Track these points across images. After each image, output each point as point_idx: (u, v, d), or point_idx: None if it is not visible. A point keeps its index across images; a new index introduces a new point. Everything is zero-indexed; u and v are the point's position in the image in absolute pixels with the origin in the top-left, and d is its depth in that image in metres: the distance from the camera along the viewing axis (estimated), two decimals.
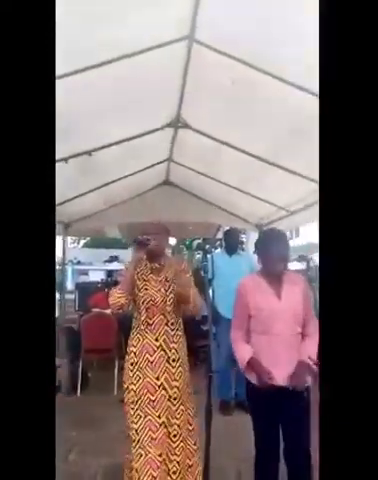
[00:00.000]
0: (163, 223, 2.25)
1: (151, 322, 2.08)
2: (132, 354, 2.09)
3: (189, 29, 2.29)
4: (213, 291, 3.65)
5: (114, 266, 12.59)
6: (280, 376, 1.85)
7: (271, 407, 1.88)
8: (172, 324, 2.10)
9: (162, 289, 2.10)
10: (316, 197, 3.38)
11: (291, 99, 2.48)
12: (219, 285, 3.61)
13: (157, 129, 3.47)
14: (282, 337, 1.88)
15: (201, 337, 3.97)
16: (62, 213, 4.55)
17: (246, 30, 2.12)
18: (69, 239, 9.49)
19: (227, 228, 4.48)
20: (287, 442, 1.91)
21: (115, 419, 2.36)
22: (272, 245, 1.92)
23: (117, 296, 2.02)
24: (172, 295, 2.10)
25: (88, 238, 22.11)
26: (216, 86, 2.72)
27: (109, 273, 11.21)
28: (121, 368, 3.17)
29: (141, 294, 2.09)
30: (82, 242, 24.70)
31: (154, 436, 1.99)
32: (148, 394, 2.02)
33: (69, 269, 9.51)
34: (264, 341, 1.90)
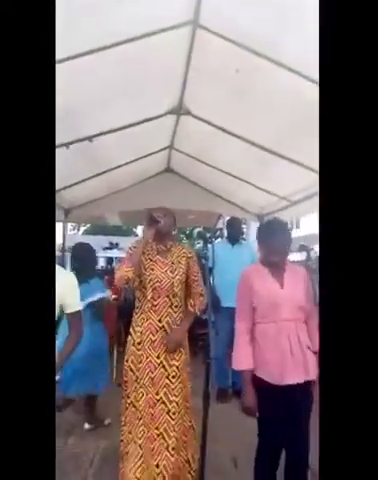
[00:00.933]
0: (168, 208, 2.25)
1: (156, 303, 2.10)
2: (138, 333, 2.12)
3: (193, 14, 2.25)
4: (213, 279, 3.67)
5: (114, 253, 12.61)
6: (284, 372, 1.85)
7: (275, 399, 1.88)
8: (176, 307, 2.13)
9: (168, 271, 2.12)
10: (317, 188, 3.35)
11: (295, 88, 2.45)
12: (220, 274, 3.63)
13: (159, 116, 3.44)
14: (286, 325, 1.88)
15: (201, 325, 4.01)
16: (62, 199, 4.54)
17: (251, 16, 2.08)
18: (69, 225, 9.47)
19: (229, 217, 4.47)
20: (289, 433, 1.92)
21: (114, 403, 2.40)
22: (273, 235, 1.92)
23: (125, 270, 2.03)
24: (178, 278, 2.12)
25: (88, 225, 22.11)
26: (219, 73, 2.68)
27: (109, 260, 11.25)
28: (120, 354, 3.19)
29: (147, 273, 2.11)
30: (82, 229, 24.70)
31: (153, 412, 2.06)
32: (149, 372, 2.08)
33: (69, 256, 9.53)
34: (269, 329, 1.89)
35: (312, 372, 1.86)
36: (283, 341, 1.86)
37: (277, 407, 1.84)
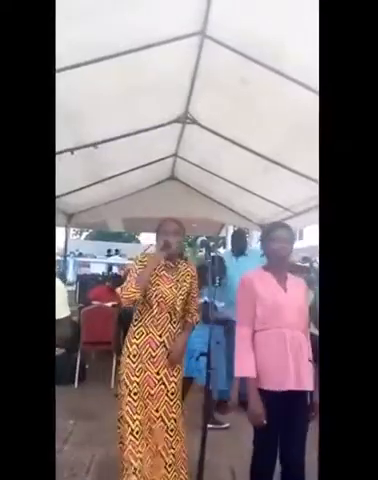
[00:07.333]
0: (179, 220, 2.22)
1: (158, 318, 2.10)
2: (134, 346, 2.10)
3: (201, 25, 2.28)
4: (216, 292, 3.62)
5: (115, 259, 12.58)
6: (287, 378, 1.82)
7: (273, 410, 1.85)
8: (175, 322, 2.13)
9: (173, 288, 2.13)
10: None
11: (301, 98, 2.47)
12: (225, 286, 3.59)
13: (165, 124, 3.46)
14: (289, 331, 1.84)
15: None
16: (65, 204, 4.56)
17: (258, 27, 2.10)
18: (71, 230, 9.50)
19: (234, 229, 4.45)
20: (284, 445, 1.89)
21: (111, 411, 2.38)
22: (278, 238, 1.91)
23: (133, 291, 2.02)
24: (182, 297, 2.13)
25: (90, 230, 22.16)
26: (225, 83, 2.71)
27: (110, 266, 11.24)
28: (119, 361, 3.19)
29: (152, 289, 2.10)
30: (84, 234, 24.75)
31: (153, 427, 2.04)
32: (148, 387, 2.06)
33: (70, 261, 9.52)
34: (271, 336, 1.85)
35: (310, 382, 1.84)
36: (285, 347, 1.83)
37: (271, 415, 1.82)
